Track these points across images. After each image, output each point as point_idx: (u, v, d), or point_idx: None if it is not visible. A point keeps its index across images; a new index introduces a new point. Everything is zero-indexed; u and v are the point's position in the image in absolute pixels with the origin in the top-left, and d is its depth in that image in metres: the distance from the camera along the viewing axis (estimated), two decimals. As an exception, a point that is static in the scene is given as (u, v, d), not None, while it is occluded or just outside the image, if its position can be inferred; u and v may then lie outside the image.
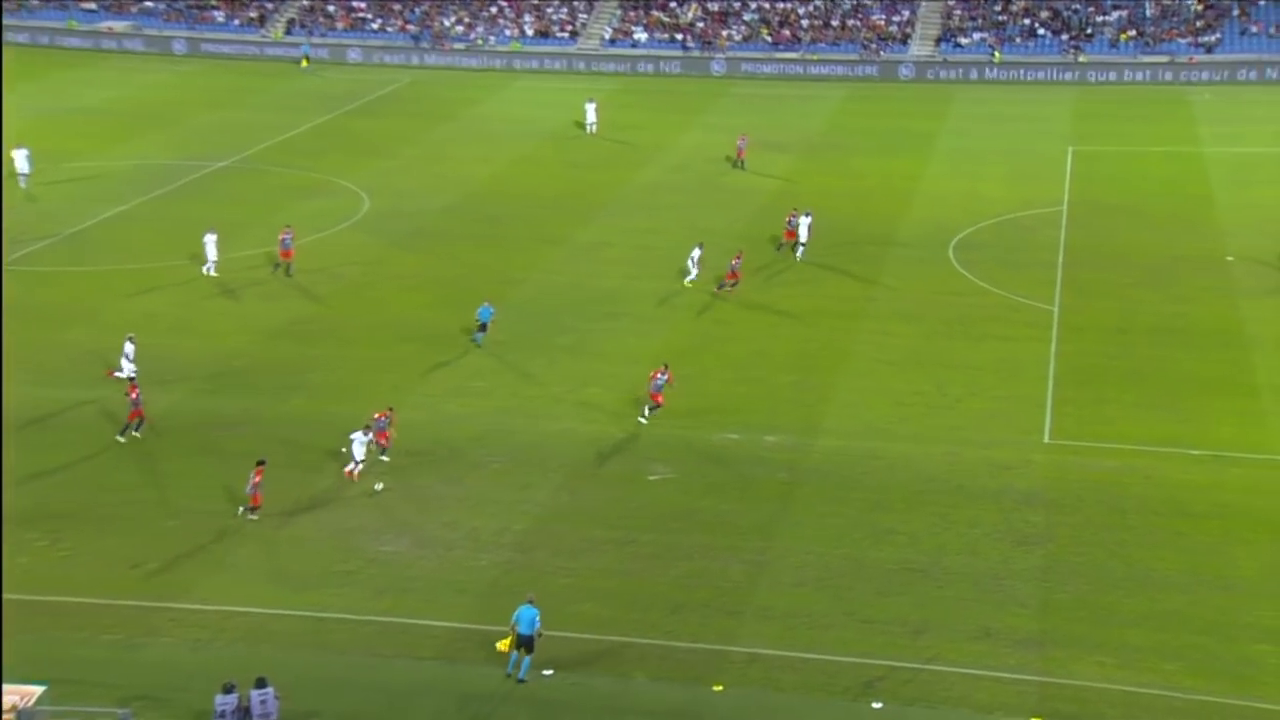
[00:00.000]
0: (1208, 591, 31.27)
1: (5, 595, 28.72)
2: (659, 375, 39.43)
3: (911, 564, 32.49)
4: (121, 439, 38.31)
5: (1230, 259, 52.10)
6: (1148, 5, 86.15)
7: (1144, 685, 28.04)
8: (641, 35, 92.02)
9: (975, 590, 31.40)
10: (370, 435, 36.46)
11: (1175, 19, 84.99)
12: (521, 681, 28.12)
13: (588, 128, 71.85)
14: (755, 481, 36.68)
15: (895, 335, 46.14)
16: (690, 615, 30.74)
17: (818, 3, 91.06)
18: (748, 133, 66.90)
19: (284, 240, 50.91)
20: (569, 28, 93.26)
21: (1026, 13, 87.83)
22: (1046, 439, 38.66)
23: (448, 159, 68.60)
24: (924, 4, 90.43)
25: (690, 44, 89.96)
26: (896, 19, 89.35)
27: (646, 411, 39.56)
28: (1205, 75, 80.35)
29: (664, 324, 47.23)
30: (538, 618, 28.08)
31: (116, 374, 41.41)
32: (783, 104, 79.72)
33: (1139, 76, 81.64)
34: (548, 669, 28.59)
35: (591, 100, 72.48)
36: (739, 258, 49.50)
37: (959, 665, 28.68)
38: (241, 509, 34.55)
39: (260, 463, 34.60)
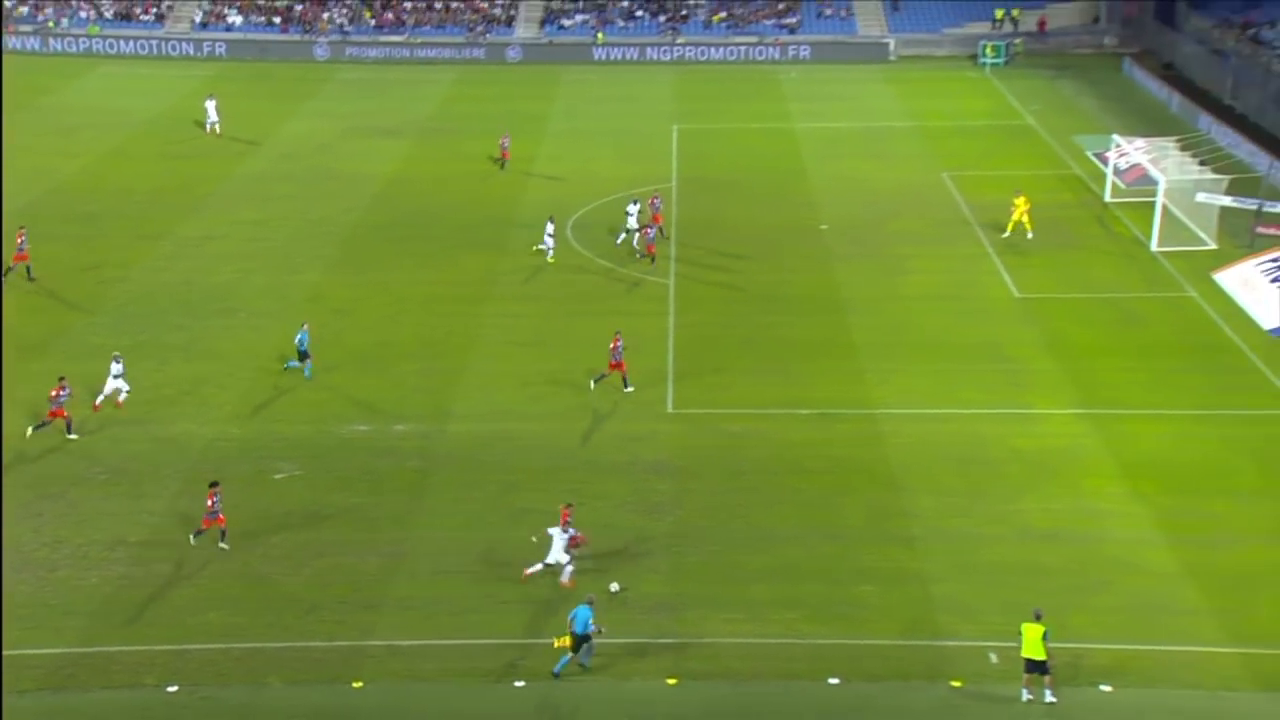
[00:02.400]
0: (820, 541, 33.56)
1: None
2: (618, 344, 40.24)
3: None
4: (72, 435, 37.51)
5: (824, 227, 55.91)
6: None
7: (769, 636, 29.83)
8: (236, 19, 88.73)
9: (610, 561, 32.38)
10: (569, 534, 31.34)
11: (760, 1, 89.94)
12: (583, 667, 28.23)
13: (208, 127, 67.83)
14: (386, 472, 36.43)
15: (521, 316, 46.81)
16: (326, 614, 30.23)
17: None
18: (509, 130, 64.45)
19: (20, 243, 47.46)
20: (153, 10, 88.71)
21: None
22: (670, 409, 40.33)
23: (24, 151, 63.78)
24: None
25: (289, 28, 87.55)
26: (501, 1, 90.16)
27: (625, 384, 40.55)
28: (791, 54, 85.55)
29: (282, 318, 45.93)
30: (590, 619, 28.07)
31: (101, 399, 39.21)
32: (392, 88, 78.97)
33: (732, 55, 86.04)
34: (171, 684, 27.42)
35: (212, 97, 68.35)
36: (656, 223, 51.55)
37: (596, 636, 29.53)
38: (195, 534, 32.47)
39: (213, 484, 32.45)
